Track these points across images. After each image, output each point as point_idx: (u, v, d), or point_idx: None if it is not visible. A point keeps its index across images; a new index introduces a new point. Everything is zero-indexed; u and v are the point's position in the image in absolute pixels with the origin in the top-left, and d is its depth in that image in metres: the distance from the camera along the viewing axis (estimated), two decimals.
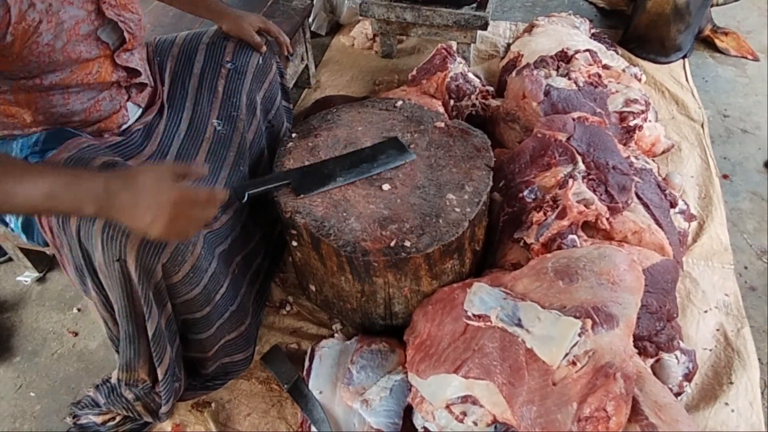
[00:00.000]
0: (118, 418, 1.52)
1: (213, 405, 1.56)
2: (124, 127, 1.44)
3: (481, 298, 1.29)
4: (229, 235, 1.49)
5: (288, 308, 1.76)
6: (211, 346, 1.48)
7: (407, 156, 1.57)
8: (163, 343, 1.34)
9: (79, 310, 1.84)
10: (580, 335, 1.13)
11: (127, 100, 1.43)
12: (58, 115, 1.29)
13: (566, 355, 1.12)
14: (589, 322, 1.14)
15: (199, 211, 1.07)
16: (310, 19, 2.81)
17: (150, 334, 1.30)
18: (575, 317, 1.15)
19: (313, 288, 1.68)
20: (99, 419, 1.52)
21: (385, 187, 1.51)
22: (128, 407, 1.48)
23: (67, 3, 1.18)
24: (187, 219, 1.05)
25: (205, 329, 1.43)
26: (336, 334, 1.64)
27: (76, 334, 1.78)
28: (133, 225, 1.03)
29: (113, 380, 1.45)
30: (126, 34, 1.33)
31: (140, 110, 1.49)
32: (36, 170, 1.01)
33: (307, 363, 1.55)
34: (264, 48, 1.65)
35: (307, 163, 1.59)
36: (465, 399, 1.23)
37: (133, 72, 1.41)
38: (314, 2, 2.77)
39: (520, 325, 1.20)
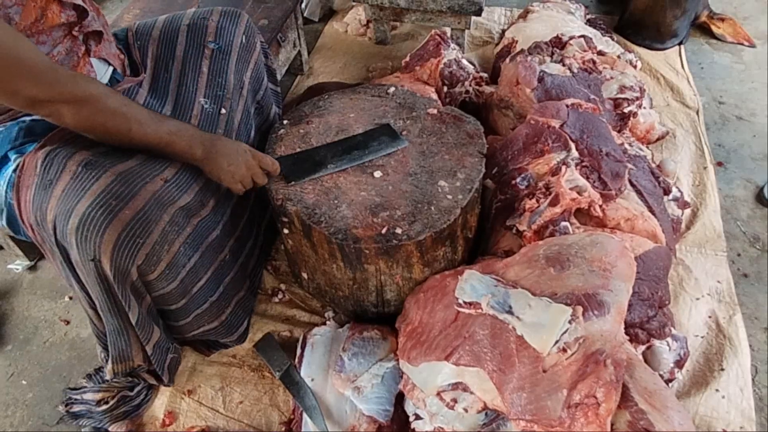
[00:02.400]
0: (111, 402, 1.52)
1: (205, 392, 1.56)
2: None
3: (473, 285, 1.29)
4: (220, 219, 1.48)
5: (280, 296, 1.76)
6: (189, 332, 1.49)
7: (399, 143, 1.56)
8: (149, 326, 1.36)
9: (70, 298, 1.83)
10: (570, 322, 1.13)
11: (87, 53, 1.35)
12: None
13: (556, 342, 1.12)
14: (579, 309, 1.14)
15: (259, 176, 1.42)
16: (303, 5, 2.79)
17: (134, 322, 1.30)
18: (566, 304, 1.15)
19: (305, 275, 1.68)
20: (98, 396, 1.52)
21: (377, 174, 1.50)
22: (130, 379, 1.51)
23: None
24: (251, 178, 1.41)
25: (181, 318, 1.44)
26: (328, 322, 1.64)
27: (68, 323, 1.78)
28: (219, 174, 1.36)
29: (107, 377, 1.45)
30: None
31: (111, 69, 1.43)
32: (161, 116, 1.31)
33: (299, 350, 1.55)
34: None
35: (298, 149, 1.58)
36: (456, 386, 1.23)
37: (82, 13, 1.31)
38: None
39: (510, 312, 1.20)
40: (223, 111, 1.55)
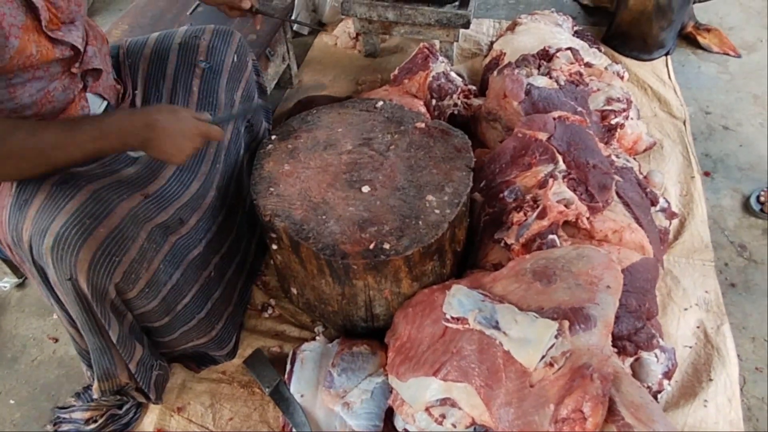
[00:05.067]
0: (100, 420, 1.51)
1: (195, 409, 1.56)
2: None
3: (460, 300, 1.29)
4: (203, 237, 1.48)
5: (270, 311, 1.76)
6: (177, 347, 1.49)
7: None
8: (130, 344, 1.35)
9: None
10: (556, 337, 1.13)
11: (84, 89, 1.33)
12: (8, 111, 1.19)
13: (543, 357, 1.12)
14: (566, 323, 1.14)
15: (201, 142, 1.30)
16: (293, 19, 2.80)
17: (114, 341, 1.30)
18: (553, 319, 1.16)
19: (294, 291, 1.68)
20: (86, 415, 1.51)
21: (365, 188, 1.50)
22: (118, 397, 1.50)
23: None
24: (193, 148, 1.28)
25: (167, 334, 1.44)
26: (318, 337, 1.63)
27: (57, 340, 1.77)
28: (163, 157, 1.25)
29: (95, 395, 1.45)
30: (43, 3, 1.14)
31: (105, 103, 1.41)
32: (81, 122, 1.19)
33: (288, 366, 1.54)
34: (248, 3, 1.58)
35: (287, 167, 1.58)
36: (444, 401, 1.23)
37: (77, 51, 1.26)
38: (296, 1, 2.76)
39: (497, 327, 1.20)
40: None
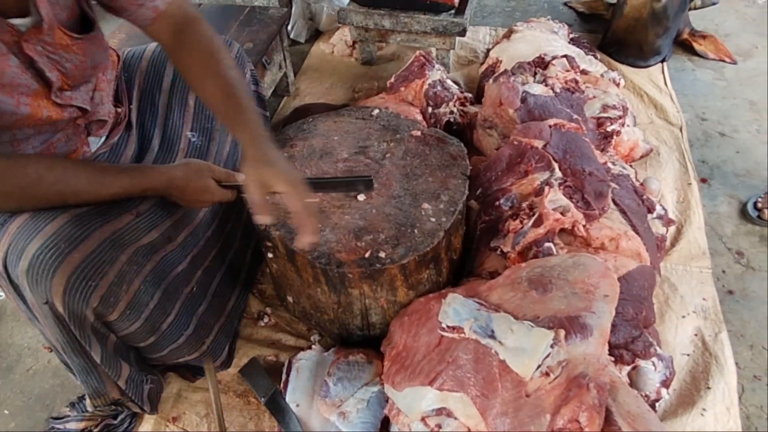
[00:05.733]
0: (95, 431, 1.50)
1: (190, 419, 1.55)
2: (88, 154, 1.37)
3: (455, 309, 1.29)
4: (189, 252, 1.46)
5: (266, 320, 1.75)
6: (168, 361, 1.48)
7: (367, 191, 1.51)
8: (115, 364, 1.33)
9: None
10: (552, 346, 1.12)
11: (87, 136, 1.34)
12: None
13: (539, 366, 1.11)
14: (561, 332, 1.14)
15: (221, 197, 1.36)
16: (290, 27, 2.81)
17: (98, 360, 1.28)
18: (548, 328, 1.15)
19: (290, 299, 1.67)
20: (81, 425, 1.50)
21: (361, 197, 1.50)
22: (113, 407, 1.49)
23: None
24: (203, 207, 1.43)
25: (155, 352, 1.42)
26: (314, 346, 1.63)
27: (52, 350, 1.76)
28: (181, 202, 1.35)
29: (89, 408, 1.44)
30: (56, 73, 1.16)
31: (103, 138, 1.40)
32: (112, 171, 1.23)
33: (284, 375, 1.53)
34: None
35: None
36: (440, 411, 1.22)
37: (83, 109, 1.27)
38: (293, 9, 2.77)
39: (493, 336, 1.20)
40: (212, 143, 1.54)
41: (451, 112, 2.07)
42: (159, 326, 1.35)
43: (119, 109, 1.45)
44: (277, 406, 1.49)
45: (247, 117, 1.25)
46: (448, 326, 1.27)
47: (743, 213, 1.99)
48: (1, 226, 1.17)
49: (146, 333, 1.33)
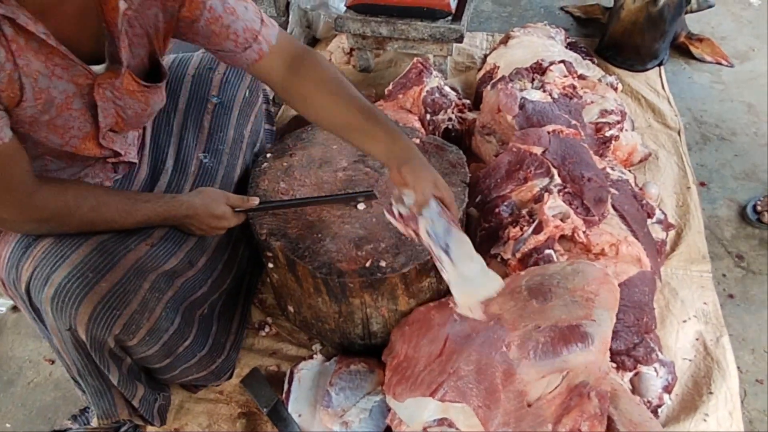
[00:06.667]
0: None
1: (192, 430, 1.54)
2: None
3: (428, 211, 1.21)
4: (209, 276, 1.47)
5: (267, 329, 1.75)
6: (177, 380, 1.50)
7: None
8: (131, 383, 1.34)
9: None
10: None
11: (113, 171, 1.37)
12: None
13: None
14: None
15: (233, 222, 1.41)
16: None
17: (115, 383, 1.29)
18: (550, 338, 1.15)
19: (291, 309, 1.67)
20: None
21: (361, 206, 1.50)
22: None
23: (56, 77, 1.04)
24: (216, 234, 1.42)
25: (167, 372, 1.43)
26: (315, 355, 1.62)
27: (53, 362, 1.76)
28: (191, 233, 1.38)
29: (93, 424, 1.44)
30: (112, 119, 1.19)
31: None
32: (134, 207, 1.25)
33: (286, 385, 1.53)
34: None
35: (282, 185, 1.57)
36: (441, 422, 1.22)
37: (116, 154, 1.30)
38: (290, 18, 2.77)
39: (447, 251, 1.18)
40: (221, 166, 1.55)
41: (450, 119, 2.07)
42: (176, 349, 1.37)
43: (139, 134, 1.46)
44: (279, 417, 1.49)
45: (393, 126, 1.30)
46: (399, 213, 1.23)
47: (743, 216, 1.99)
48: (24, 250, 1.17)
49: (162, 356, 1.34)
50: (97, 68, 1.10)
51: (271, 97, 1.79)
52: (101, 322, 1.16)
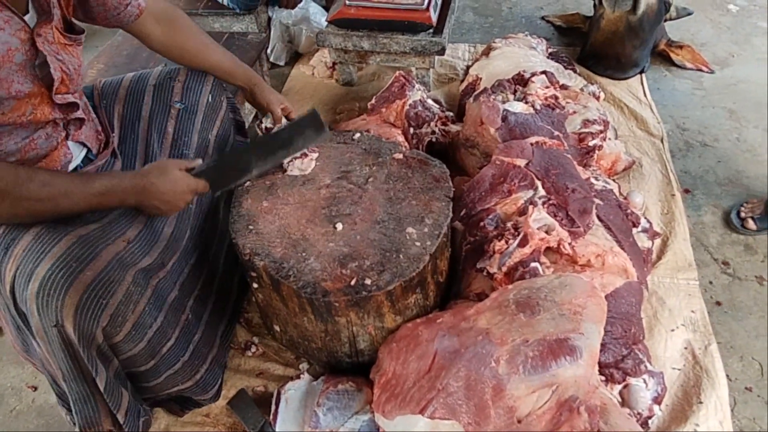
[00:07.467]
0: None
1: None
2: (72, 166, 1.39)
3: None
4: (177, 279, 1.46)
5: (254, 349, 1.72)
6: (161, 391, 1.46)
7: (323, 134, 1.62)
8: (117, 391, 1.33)
9: None
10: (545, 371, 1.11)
11: (66, 137, 1.35)
12: None
13: None
14: None
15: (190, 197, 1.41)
16: (269, 50, 2.80)
17: (102, 388, 1.28)
18: (538, 352, 1.14)
19: (277, 328, 1.65)
20: None
21: (344, 224, 1.49)
22: None
23: None
24: (184, 203, 1.40)
25: (152, 378, 1.41)
26: (303, 375, 1.60)
27: (36, 389, 1.72)
28: (156, 214, 1.39)
29: None
30: (60, 73, 1.23)
31: (85, 150, 1.42)
32: (89, 178, 1.27)
33: (273, 407, 1.51)
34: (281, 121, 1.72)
35: (265, 204, 1.56)
36: None
37: (70, 107, 1.32)
38: (272, 33, 2.77)
39: None
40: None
41: (433, 132, 2.07)
42: (160, 349, 1.36)
43: (101, 137, 1.47)
44: None
45: (241, 62, 1.71)
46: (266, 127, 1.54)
47: (727, 222, 2.00)
48: (5, 251, 1.19)
49: (147, 356, 1.35)
50: (26, 18, 1.15)
51: (238, 108, 1.80)
52: (88, 312, 1.17)
